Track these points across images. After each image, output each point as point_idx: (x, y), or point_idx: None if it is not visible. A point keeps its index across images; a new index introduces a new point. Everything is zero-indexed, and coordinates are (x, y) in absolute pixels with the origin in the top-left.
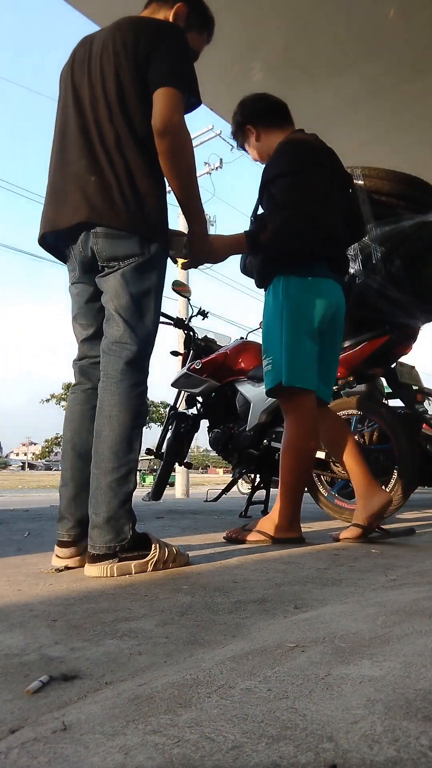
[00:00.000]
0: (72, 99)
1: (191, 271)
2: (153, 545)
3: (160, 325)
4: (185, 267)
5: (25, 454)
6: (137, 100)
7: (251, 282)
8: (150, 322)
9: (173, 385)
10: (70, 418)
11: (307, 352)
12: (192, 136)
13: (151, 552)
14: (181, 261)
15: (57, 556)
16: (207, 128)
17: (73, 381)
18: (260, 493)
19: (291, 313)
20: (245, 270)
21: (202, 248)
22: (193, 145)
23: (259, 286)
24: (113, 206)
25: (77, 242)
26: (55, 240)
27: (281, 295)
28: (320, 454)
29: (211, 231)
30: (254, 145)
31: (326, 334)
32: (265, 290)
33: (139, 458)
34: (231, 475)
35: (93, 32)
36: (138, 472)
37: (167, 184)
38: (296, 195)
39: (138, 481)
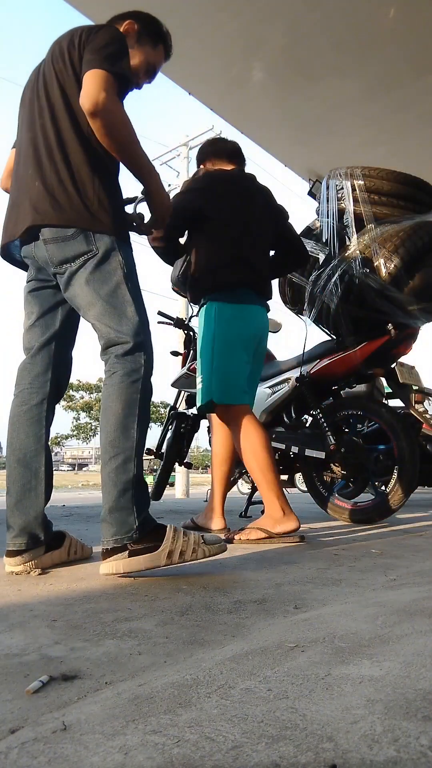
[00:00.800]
0: (25, 118)
1: None
2: (167, 535)
3: (161, 326)
4: (153, 227)
5: None
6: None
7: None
8: (133, 312)
9: (173, 385)
10: (8, 422)
11: (236, 372)
12: (192, 136)
13: (164, 543)
14: (148, 230)
15: (6, 565)
16: (207, 128)
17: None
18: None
19: (221, 337)
20: (176, 284)
21: (162, 202)
22: (194, 144)
23: (192, 302)
24: (55, 205)
25: (31, 249)
26: (15, 251)
27: (212, 320)
28: (320, 455)
29: None
30: None
31: (253, 355)
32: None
33: (145, 458)
34: (231, 475)
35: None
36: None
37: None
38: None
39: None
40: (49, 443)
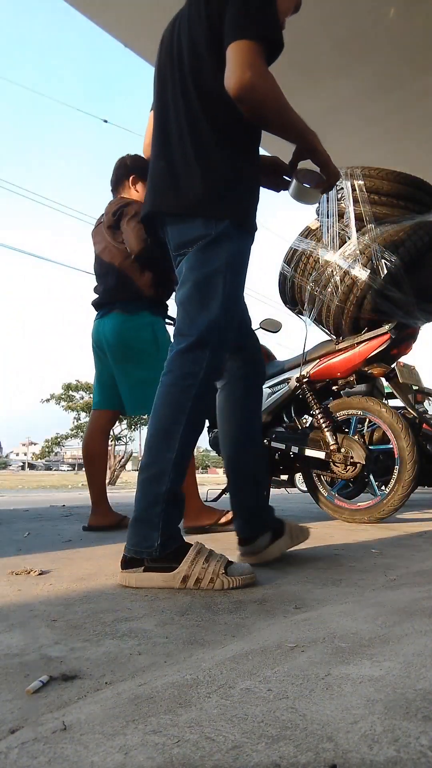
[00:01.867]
0: (157, 80)
1: None
2: (186, 557)
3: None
4: (328, 186)
5: (25, 454)
6: (213, 65)
7: (251, 282)
8: (216, 307)
9: None
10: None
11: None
12: None
13: (181, 565)
14: (316, 190)
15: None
16: None
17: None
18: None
19: None
20: None
21: (328, 159)
22: None
23: None
24: (177, 191)
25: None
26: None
27: None
28: (320, 455)
29: None
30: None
31: (102, 361)
32: None
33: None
34: None
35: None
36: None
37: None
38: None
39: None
40: (49, 443)
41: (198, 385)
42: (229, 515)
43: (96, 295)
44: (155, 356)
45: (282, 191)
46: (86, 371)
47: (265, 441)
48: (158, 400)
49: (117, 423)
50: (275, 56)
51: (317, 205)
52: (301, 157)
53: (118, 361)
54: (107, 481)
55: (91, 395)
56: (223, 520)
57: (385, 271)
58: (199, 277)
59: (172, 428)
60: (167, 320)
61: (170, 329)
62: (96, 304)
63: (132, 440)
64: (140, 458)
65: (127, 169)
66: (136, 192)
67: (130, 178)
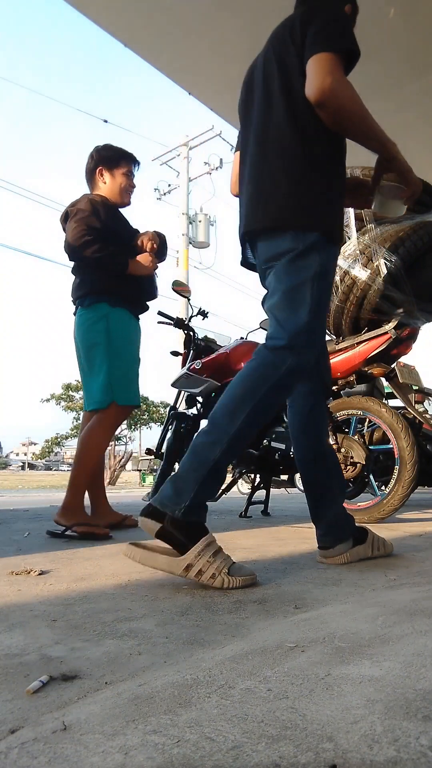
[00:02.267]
0: (243, 115)
1: (191, 271)
2: (195, 547)
3: (162, 326)
4: (408, 200)
5: (25, 454)
6: (301, 86)
7: (251, 282)
8: (305, 314)
9: (173, 385)
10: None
11: None
12: (192, 137)
13: (188, 553)
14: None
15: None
16: (207, 128)
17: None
18: (260, 493)
19: None
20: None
21: (408, 168)
22: (194, 144)
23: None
24: (267, 209)
25: (252, 253)
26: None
27: None
28: None
29: (211, 231)
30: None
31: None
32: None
33: (142, 458)
34: (231, 475)
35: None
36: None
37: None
38: None
39: (139, 480)
40: (49, 443)
41: (278, 378)
42: (93, 530)
43: None
44: (105, 349)
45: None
46: None
47: (264, 441)
48: (237, 379)
49: None
50: (352, 65)
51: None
52: (382, 169)
53: (79, 357)
54: (107, 481)
55: None
56: (82, 529)
57: (385, 271)
58: (288, 288)
59: (240, 406)
60: (162, 317)
61: (169, 328)
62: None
63: (132, 440)
64: (140, 457)
65: (94, 161)
66: (104, 183)
67: (98, 170)
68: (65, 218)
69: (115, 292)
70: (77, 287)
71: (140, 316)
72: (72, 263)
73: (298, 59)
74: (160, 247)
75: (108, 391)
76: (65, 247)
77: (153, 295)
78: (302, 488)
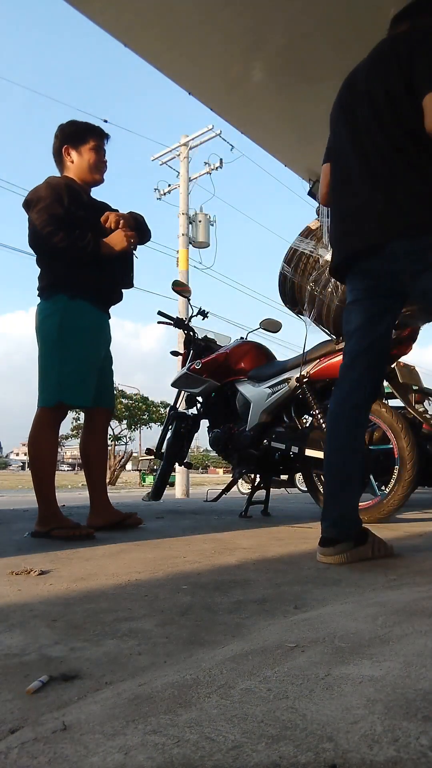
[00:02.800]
0: (343, 128)
1: (191, 271)
2: (369, 536)
3: (163, 326)
4: None
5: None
6: (409, 103)
7: (251, 282)
8: None
9: (173, 385)
10: (329, 417)
11: None
12: (191, 137)
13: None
14: None
15: (318, 554)
16: (207, 128)
17: None
18: (260, 493)
19: None
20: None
21: None
22: (193, 144)
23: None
24: (403, 214)
25: (368, 263)
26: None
27: None
28: (320, 455)
29: (211, 231)
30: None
31: None
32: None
33: (142, 458)
34: (231, 475)
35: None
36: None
37: None
38: None
39: (139, 480)
40: None
41: None
42: (74, 531)
43: None
44: (56, 345)
45: None
46: None
47: (264, 441)
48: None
49: (117, 423)
50: None
51: (317, 205)
52: None
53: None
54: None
55: None
56: (56, 532)
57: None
58: None
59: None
60: (162, 317)
61: (169, 328)
62: None
63: (132, 440)
64: (140, 457)
65: (59, 140)
66: (71, 163)
67: (64, 150)
68: (27, 206)
69: (75, 283)
70: (38, 279)
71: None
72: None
73: (404, 83)
74: (138, 228)
75: (56, 390)
76: (29, 240)
77: (127, 282)
78: (302, 488)
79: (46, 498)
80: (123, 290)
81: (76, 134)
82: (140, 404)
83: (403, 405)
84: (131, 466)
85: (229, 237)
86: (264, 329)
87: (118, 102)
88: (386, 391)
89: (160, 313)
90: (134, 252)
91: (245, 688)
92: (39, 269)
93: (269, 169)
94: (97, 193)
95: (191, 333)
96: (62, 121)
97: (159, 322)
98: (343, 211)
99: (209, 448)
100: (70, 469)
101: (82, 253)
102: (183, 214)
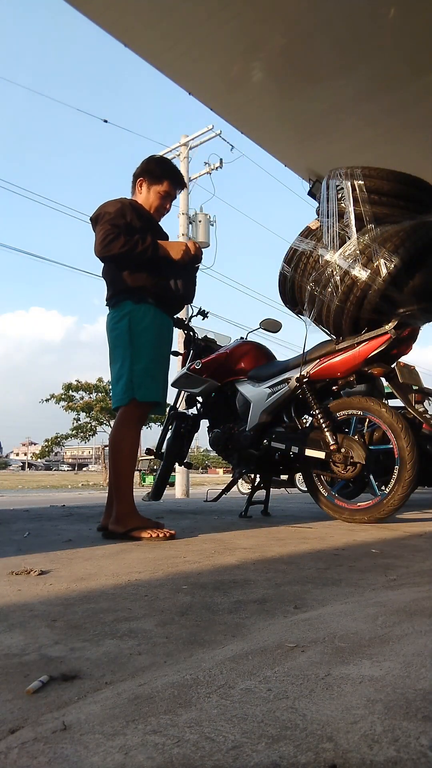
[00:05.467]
0: None
1: None
2: None
3: None
4: None
5: (25, 454)
6: None
7: (251, 282)
8: None
9: (173, 385)
10: None
11: None
12: (191, 137)
13: None
14: None
15: None
16: (207, 128)
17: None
18: (260, 493)
19: None
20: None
21: None
22: (193, 144)
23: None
24: None
25: None
26: None
27: None
28: (320, 455)
29: (211, 231)
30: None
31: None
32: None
33: (142, 458)
34: (231, 475)
35: None
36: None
37: None
38: None
39: (139, 480)
40: (49, 443)
41: None
42: (156, 532)
43: None
44: (127, 347)
45: None
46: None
47: (264, 441)
48: None
49: None
50: None
51: (317, 205)
52: None
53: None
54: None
55: (91, 396)
56: (145, 534)
57: (385, 271)
58: None
59: None
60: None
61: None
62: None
63: None
64: (140, 457)
65: (140, 168)
66: (139, 194)
67: (139, 180)
68: (94, 222)
69: (139, 290)
70: (107, 290)
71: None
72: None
73: None
74: (197, 253)
75: (128, 388)
76: (94, 251)
77: (189, 297)
78: (302, 488)
79: (125, 495)
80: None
81: (155, 173)
82: None
83: (403, 405)
84: None
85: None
86: (264, 329)
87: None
88: (386, 391)
89: None
90: (198, 266)
91: (245, 688)
92: (105, 281)
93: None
94: (97, 192)
95: (191, 333)
96: (62, 121)
97: None
98: None
99: (209, 448)
100: (70, 469)
101: (143, 254)
102: (183, 214)
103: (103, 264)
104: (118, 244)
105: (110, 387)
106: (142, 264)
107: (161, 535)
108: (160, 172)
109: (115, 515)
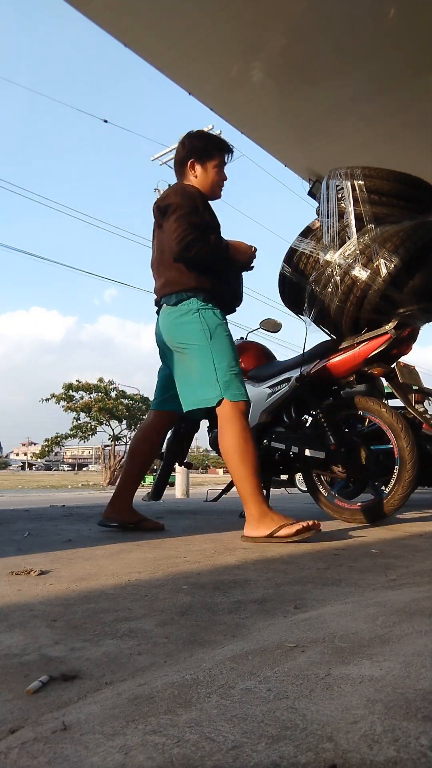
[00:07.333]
0: None
1: None
2: None
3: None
4: None
5: (25, 454)
6: None
7: (251, 282)
8: None
9: None
10: None
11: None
12: None
13: None
14: None
15: None
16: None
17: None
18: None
19: None
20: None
21: None
22: None
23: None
24: None
25: None
26: None
27: None
28: (320, 455)
29: None
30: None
31: (164, 359)
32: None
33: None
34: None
35: None
36: None
37: None
38: None
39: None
40: (49, 443)
41: None
42: (296, 526)
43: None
44: (206, 346)
45: None
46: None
47: (264, 441)
48: None
49: (117, 423)
50: None
51: (317, 205)
52: None
53: (170, 358)
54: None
55: (91, 396)
56: (283, 532)
57: (385, 271)
58: None
59: None
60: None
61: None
62: (156, 305)
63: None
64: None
65: (186, 150)
66: (194, 177)
67: (189, 163)
68: (163, 211)
69: (204, 289)
70: (164, 285)
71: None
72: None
73: None
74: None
75: (215, 387)
76: (166, 244)
77: (239, 298)
78: (302, 488)
79: (254, 498)
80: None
81: (202, 149)
82: (140, 404)
83: (403, 405)
84: None
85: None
86: (264, 329)
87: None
88: (386, 391)
89: None
90: (251, 267)
91: (245, 688)
92: (160, 277)
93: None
94: (96, 192)
95: None
96: (62, 121)
97: None
98: None
99: (209, 448)
100: (70, 468)
101: (220, 257)
102: None
103: (157, 258)
104: (196, 247)
105: (180, 387)
106: (211, 265)
107: (305, 525)
108: (206, 146)
109: (254, 519)
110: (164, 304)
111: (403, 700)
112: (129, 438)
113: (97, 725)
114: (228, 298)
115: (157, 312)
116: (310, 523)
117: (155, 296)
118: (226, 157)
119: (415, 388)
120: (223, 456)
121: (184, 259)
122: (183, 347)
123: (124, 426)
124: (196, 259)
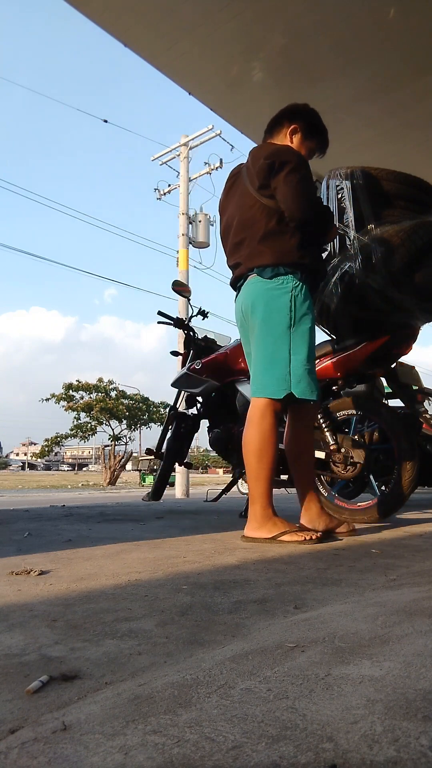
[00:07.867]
0: None
1: (191, 271)
2: None
3: (164, 327)
4: None
5: (25, 454)
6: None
7: None
8: None
9: (173, 385)
10: None
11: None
12: (192, 136)
13: None
14: None
15: None
16: (207, 128)
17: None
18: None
19: None
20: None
21: None
22: (193, 144)
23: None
24: None
25: None
26: None
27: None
28: (320, 454)
29: (211, 231)
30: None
31: (245, 336)
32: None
33: (142, 458)
34: (231, 475)
35: None
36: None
37: None
38: None
39: (138, 480)
40: (49, 443)
41: None
42: (298, 537)
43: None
44: (286, 332)
45: None
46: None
47: None
48: None
49: (117, 423)
50: None
51: None
52: None
53: (252, 331)
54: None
55: (91, 395)
56: (285, 538)
57: (385, 271)
58: None
59: None
60: (162, 317)
61: (170, 328)
62: (233, 282)
63: (132, 440)
64: (140, 457)
65: (292, 114)
66: (287, 142)
67: (291, 127)
68: (278, 166)
69: (303, 264)
70: (255, 255)
71: None
72: (224, 239)
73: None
74: None
75: (285, 380)
76: (293, 209)
77: (324, 277)
78: None
79: (260, 501)
80: None
81: (313, 126)
82: (140, 404)
83: (403, 405)
84: (131, 466)
85: None
86: None
87: (118, 102)
88: (386, 391)
89: (160, 313)
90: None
91: (245, 688)
92: (245, 248)
93: None
94: (96, 192)
95: (191, 333)
96: (62, 121)
97: (159, 322)
98: None
99: (209, 448)
100: (70, 469)
101: (329, 227)
102: (183, 214)
103: (267, 227)
104: (321, 207)
105: (248, 368)
106: (313, 237)
107: (307, 538)
108: (318, 128)
109: (256, 520)
110: (254, 275)
111: (403, 700)
112: (129, 438)
113: (97, 725)
114: (322, 275)
115: (237, 288)
116: (314, 536)
117: (236, 270)
118: (316, 152)
119: (415, 388)
120: (242, 448)
121: (304, 218)
122: (263, 324)
123: (124, 426)
124: (317, 219)
